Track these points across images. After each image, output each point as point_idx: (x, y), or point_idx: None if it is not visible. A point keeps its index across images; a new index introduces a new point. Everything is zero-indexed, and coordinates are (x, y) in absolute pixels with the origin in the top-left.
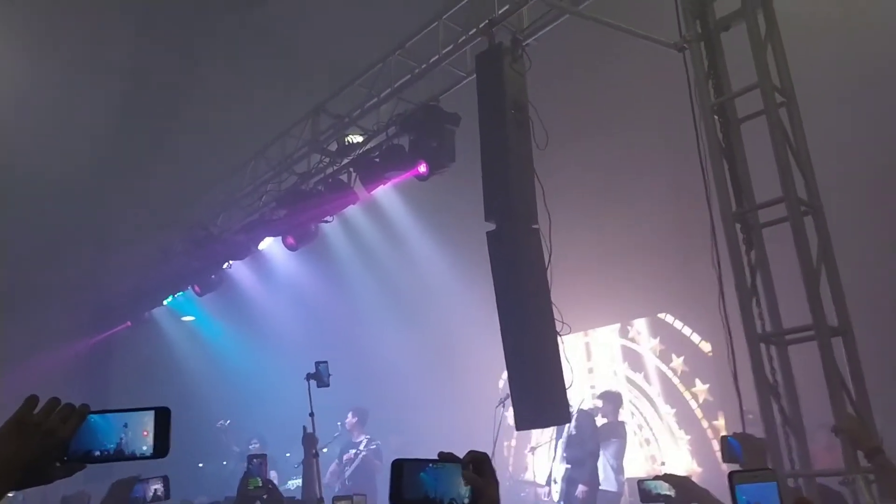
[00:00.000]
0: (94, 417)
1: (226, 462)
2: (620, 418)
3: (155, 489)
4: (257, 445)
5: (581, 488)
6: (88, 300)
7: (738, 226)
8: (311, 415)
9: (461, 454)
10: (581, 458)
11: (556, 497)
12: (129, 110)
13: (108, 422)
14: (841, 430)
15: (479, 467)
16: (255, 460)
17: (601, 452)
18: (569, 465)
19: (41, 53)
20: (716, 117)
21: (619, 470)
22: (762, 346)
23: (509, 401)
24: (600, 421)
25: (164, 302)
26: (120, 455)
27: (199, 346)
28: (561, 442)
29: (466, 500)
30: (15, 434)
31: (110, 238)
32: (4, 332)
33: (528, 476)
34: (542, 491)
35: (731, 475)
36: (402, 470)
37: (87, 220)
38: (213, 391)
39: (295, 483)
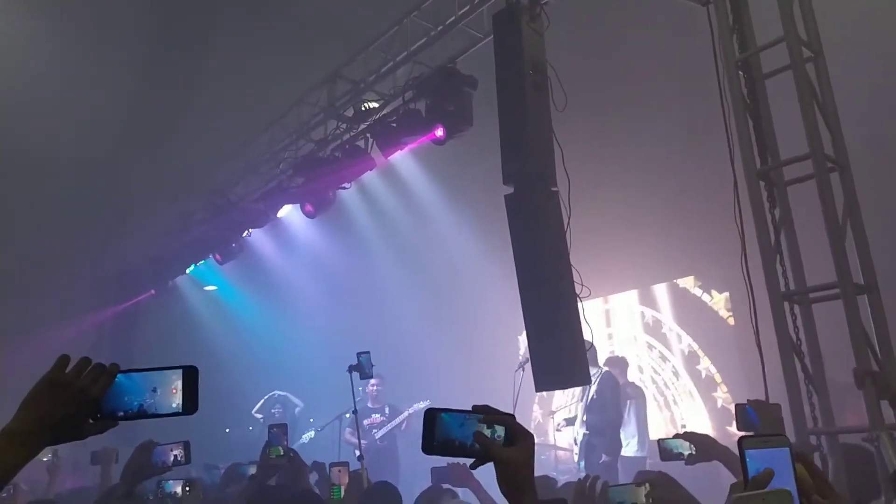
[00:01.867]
0: (122, 377)
1: (252, 427)
2: (630, 379)
3: (175, 454)
4: (280, 409)
5: (603, 458)
6: (112, 270)
7: (762, 184)
8: (355, 412)
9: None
10: (601, 427)
11: (577, 460)
12: (147, 80)
13: (137, 380)
14: (863, 376)
15: (510, 425)
16: (274, 429)
17: (630, 421)
18: (587, 432)
19: (60, 26)
20: (740, 73)
21: (642, 433)
22: (785, 304)
23: (528, 365)
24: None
25: (187, 271)
26: (149, 412)
27: (222, 314)
28: (581, 405)
29: (500, 436)
30: (48, 392)
31: (132, 208)
32: (31, 303)
33: (549, 440)
34: (562, 454)
35: (740, 440)
36: (435, 419)
37: (109, 190)
38: (237, 358)
39: (308, 435)
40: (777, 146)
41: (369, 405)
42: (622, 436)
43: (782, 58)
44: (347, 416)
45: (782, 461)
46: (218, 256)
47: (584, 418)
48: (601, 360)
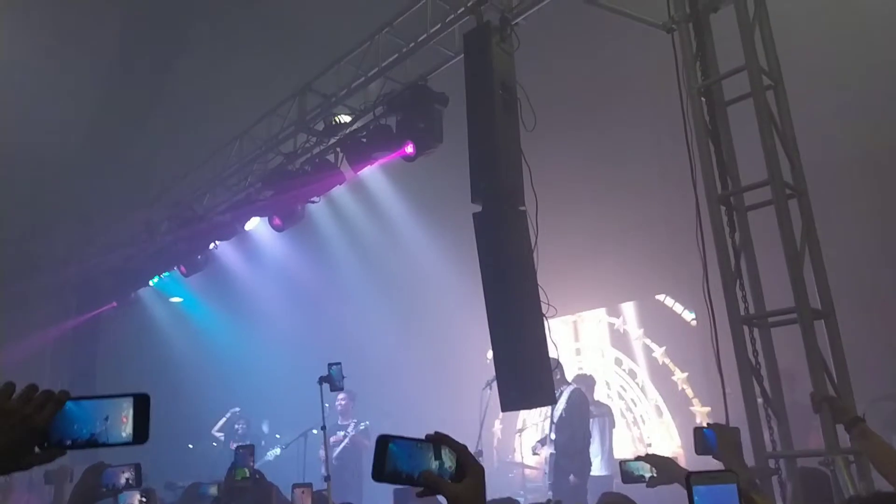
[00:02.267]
0: (71, 404)
1: (215, 444)
2: (596, 398)
3: (126, 477)
4: (243, 425)
5: (572, 479)
6: (73, 280)
7: (723, 208)
8: (324, 428)
9: (452, 435)
10: (569, 447)
11: (545, 480)
12: (114, 86)
13: (86, 408)
14: (820, 401)
15: (460, 452)
16: (241, 450)
17: (597, 437)
18: (554, 451)
19: (25, 28)
20: (703, 99)
21: (608, 452)
22: (745, 328)
23: (496, 383)
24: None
25: (151, 282)
26: (99, 441)
27: (186, 327)
28: (549, 422)
29: (451, 467)
30: None
31: (95, 216)
32: None
33: (516, 458)
34: (530, 472)
35: (687, 477)
36: (387, 446)
37: (72, 197)
38: (201, 372)
39: (273, 453)
40: (738, 172)
41: (339, 422)
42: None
43: (744, 85)
44: (315, 431)
45: (729, 497)
46: (183, 268)
47: (552, 437)
48: (570, 376)
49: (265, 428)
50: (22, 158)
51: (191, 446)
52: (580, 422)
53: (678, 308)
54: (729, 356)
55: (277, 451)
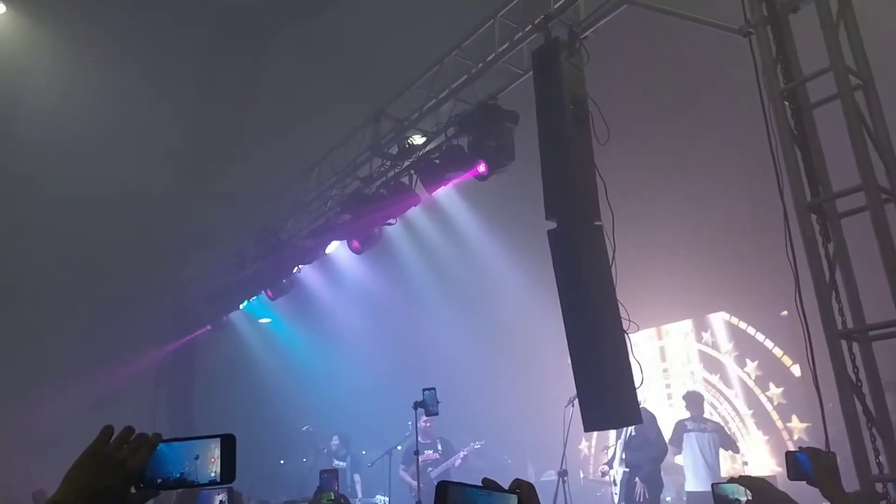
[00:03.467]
0: (163, 446)
1: (305, 459)
2: (705, 414)
3: (220, 499)
4: (338, 443)
5: (642, 492)
6: (170, 306)
7: (813, 217)
8: (417, 453)
9: (534, 455)
10: (640, 462)
11: (616, 500)
12: (200, 123)
13: (177, 450)
14: None
15: (525, 497)
16: (325, 475)
17: (698, 453)
18: (627, 469)
19: (118, 70)
20: (786, 103)
21: (713, 468)
22: (843, 343)
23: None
24: (690, 423)
25: (241, 306)
26: (188, 481)
27: (274, 347)
28: (620, 443)
29: None
30: (89, 465)
31: (188, 247)
32: (98, 338)
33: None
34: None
35: None
36: (447, 494)
37: (168, 230)
38: (290, 390)
39: (383, 499)
40: (828, 177)
41: (421, 440)
42: (690, 471)
43: (831, 85)
44: (399, 448)
45: None
46: (269, 292)
47: (623, 456)
48: (648, 394)
49: (334, 442)
50: (122, 196)
51: (282, 462)
52: (657, 439)
53: (761, 328)
54: (828, 371)
55: (386, 498)
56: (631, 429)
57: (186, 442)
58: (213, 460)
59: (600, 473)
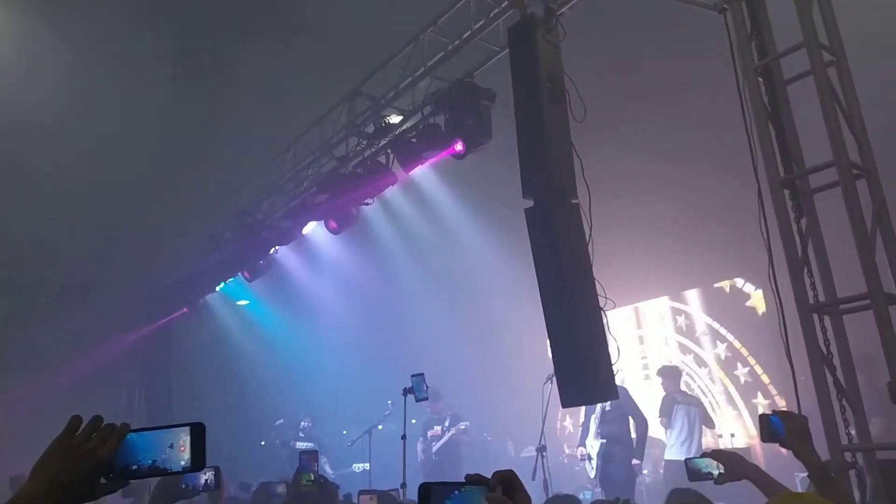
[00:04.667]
0: (133, 436)
1: (279, 441)
2: (682, 388)
3: (206, 478)
4: (309, 424)
5: (634, 461)
6: (145, 289)
7: (786, 192)
8: (404, 437)
9: (514, 433)
10: (617, 434)
11: (591, 475)
12: (172, 105)
13: (146, 439)
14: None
15: (507, 487)
16: (304, 456)
17: (686, 425)
18: (604, 440)
19: (87, 55)
20: (760, 80)
21: (693, 437)
22: (815, 316)
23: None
24: (678, 395)
25: (217, 288)
26: (159, 470)
27: (253, 329)
28: (594, 418)
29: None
30: (58, 455)
31: (163, 229)
32: (69, 323)
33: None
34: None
35: None
36: (430, 494)
37: (140, 213)
38: (269, 371)
39: (361, 466)
40: (801, 154)
41: (434, 416)
42: (670, 438)
43: (804, 62)
44: (380, 427)
45: None
46: (246, 274)
47: (599, 430)
48: (655, 368)
49: (305, 423)
50: (93, 180)
51: (263, 443)
52: (632, 409)
53: (743, 296)
54: (800, 344)
55: (367, 465)
56: (606, 404)
57: (155, 431)
58: (182, 448)
59: (578, 455)
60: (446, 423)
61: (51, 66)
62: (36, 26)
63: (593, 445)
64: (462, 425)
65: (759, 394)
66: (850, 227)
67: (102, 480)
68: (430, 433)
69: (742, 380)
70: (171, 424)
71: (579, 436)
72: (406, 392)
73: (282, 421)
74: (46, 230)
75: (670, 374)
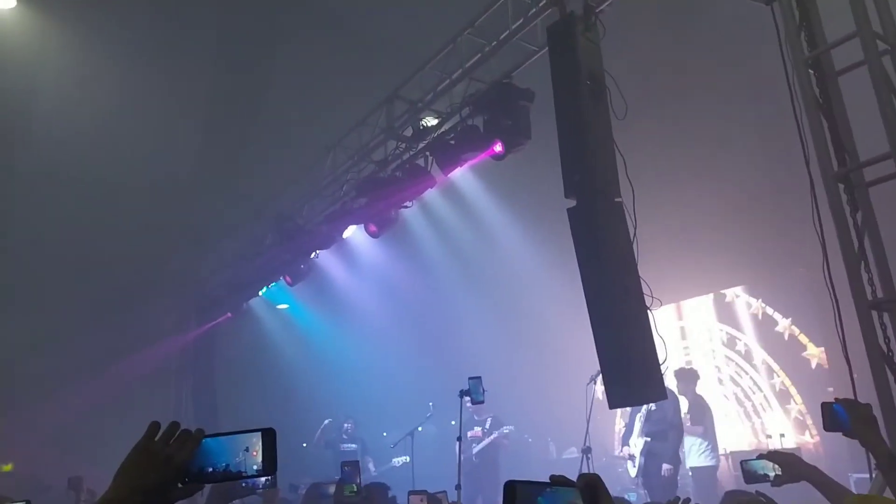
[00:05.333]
0: (207, 441)
1: (305, 444)
2: (699, 391)
3: (332, 488)
4: (351, 425)
5: (665, 466)
6: (191, 295)
7: (841, 186)
8: (459, 439)
9: (556, 434)
10: (662, 432)
11: (633, 473)
12: (214, 111)
13: (220, 444)
14: None
15: (592, 491)
16: (346, 468)
17: (692, 431)
18: (648, 438)
19: (130, 64)
20: (811, 71)
21: (712, 446)
22: (874, 313)
23: (600, 377)
24: (682, 401)
25: (260, 293)
26: (233, 474)
27: (294, 333)
28: (639, 417)
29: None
30: (140, 460)
31: (207, 236)
32: (119, 328)
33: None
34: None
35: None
36: (516, 493)
37: (185, 220)
38: (310, 374)
39: (401, 460)
40: (855, 146)
41: (475, 417)
42: (693, 445)
43: (856, 53)
44: (420, 429)
45: None
46: (288, 278)
47: (644, 429)
48: (673, 368)
49: (348, 426)
50: (142, 183)
51: (304, 445)
52: (673, 414)
53: (795, 292)
54: (858, 340)
55: (406, 458)
56: (651, 404)
57: (229, 436)
58: (254, 453)
59: (624, 454)
60: (487, 425)
61: (90, 74)
62: (76, 34)
63: (637, 444)
64: (506, 429)
65: (813, 389)
66: None
67: (179, 485)
68: (469, 434)
69: (787, 380)
70: (244, 430)
71: (622, 436)
72: (463, 394)
73: (329, 420)
74: (94, 238)
75: (686, 377)
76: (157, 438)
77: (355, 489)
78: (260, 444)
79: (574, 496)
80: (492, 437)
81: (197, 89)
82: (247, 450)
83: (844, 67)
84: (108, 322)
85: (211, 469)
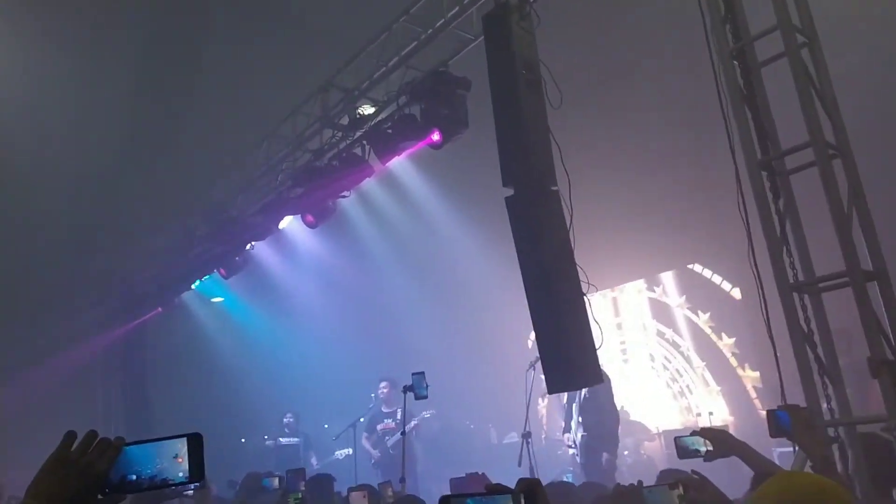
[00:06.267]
0: (129, 448)
1: (266, 437)
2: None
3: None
4: (291, 419)
5: (605, 456)
6: (118, 290)
7: (764, 174)
8: (403, 434)
9: (496, 421)
10: (598, 422)
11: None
12: (140, 100)
13: (143, 452)
14: (878, 365)
15: (530, 496)
16: (290, 474)
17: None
18: (585, 433)
19: (51, 49)
20: (735, 63)
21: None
22: (795, 295)
23: (539, 363)
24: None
25: (192, 286)
26: (157, 483)
27: (229, 327)
28: (575, 405)
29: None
30: (55, 471)
31: (134, 228)
32: (41, 327)
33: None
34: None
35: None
36: None
37: (110, 211)
38: (248, 368)
39: (344, 452)
40: (777, 135)
41: (383, 409)
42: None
43: (778, 45)
44: (361, 420)
45: None
46: (223, 271)
47: (580, 419)
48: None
49: (288, 419)
50: (60, 176)
51: (243, 440)
52: (606, 400)
53: (718, 277)
54: (776, 321)
55: (349, 451)
56: (584, 391)
57: (152, 443)
58: (179, 460)
59: (566, 441)
60: (398, 416)
61: (12, 62)
62: None
63: (576, 434)
64: (427, 414)
65: (737, 371)
66: (822, 206)
67: (99, 497)
68: (380, 427)
69: (718, 358)
70: (168, 436)
71: (563, 421)
72: (406, 389)
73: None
74: (13, 230)
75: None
76: (73, 447)
77: (300, 496)
78: (186, 450)
79: (508, 503)
80: (410, 425)
81: (122, 73)
82: (174, 457)
83: (767, 59)
84: (27, 320)
85: (134, 478)
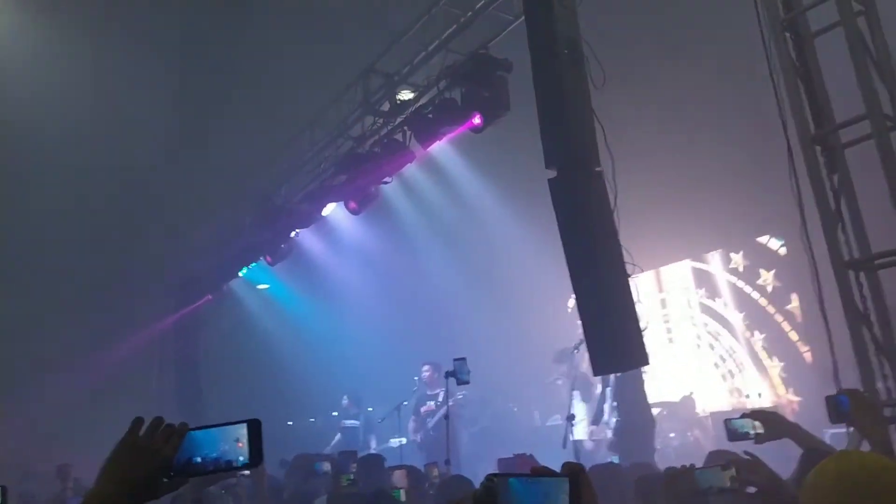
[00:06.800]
0: (192, 433)
1: (313, 419)
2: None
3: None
4: (347, 402)
5: (642, 439)
6: (170, 279)
7: (818, 148)
8: (447, 417)
9: (539, 401)
10: (623, 427)
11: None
12: (184, 90)
13: (206, 436)
14: None
15: (574, 480)
16: (341, 457)
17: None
18: (619, 418)
19: (97, 47)
20: (787, 34)
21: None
22: (850, 273)
23: (583, 345)
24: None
25: (240, 273)
26: (221, 465)
27: (276, 313)
28: (609, 390)
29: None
30: (125, 455)
31: (183, 218)
32: (97, 317)
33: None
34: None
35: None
36: (496, 487)
37: (160, 202)
38: (294, 353)
39: (398, 440)
40: (831, 108)
41: (427, 392)
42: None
43: (831, 14)
44: (405, 403)
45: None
46: (268, 258)
47: (615, 404)
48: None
49: (344, 402)
50: (112, 175)
51: (290, 423)
52: (640, 383)
53: (771, 254)
54: (832, 300)
55: (403, 440)
56: (613, 377)
57: (214, 429)
58: (240, 444)
59: (592, 436)
60: (440, 398)
61: (56, 61)
62: (41, 22)
63: (609, 421)
64: (459, 395)
65: (794, 348)
66: (882, 180)
67: (165, 480)
68: (423, 409)
69: (768, 339)
70: (229, 422)
71: (588, 414)
72: (448, 375)
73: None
74: (68, 226)
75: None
76: (141, 433)
77: (352, 477)
78: (246, 434)
79: (561, 486)
80: (443, 409)
81: (168, 66)
82: (235, 441)
83: (820, 29)
84: (84, 312)
85: (199, 460)
